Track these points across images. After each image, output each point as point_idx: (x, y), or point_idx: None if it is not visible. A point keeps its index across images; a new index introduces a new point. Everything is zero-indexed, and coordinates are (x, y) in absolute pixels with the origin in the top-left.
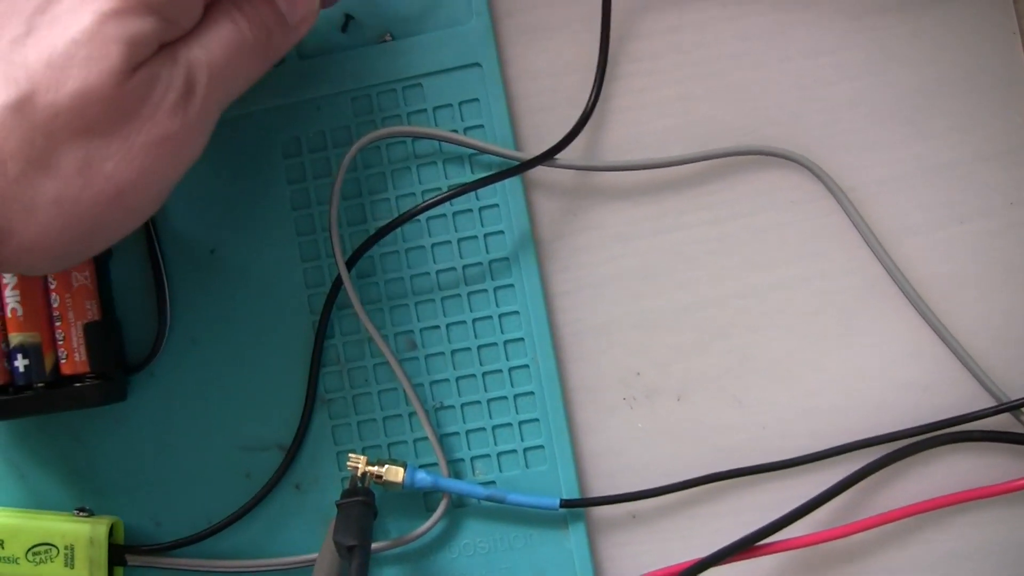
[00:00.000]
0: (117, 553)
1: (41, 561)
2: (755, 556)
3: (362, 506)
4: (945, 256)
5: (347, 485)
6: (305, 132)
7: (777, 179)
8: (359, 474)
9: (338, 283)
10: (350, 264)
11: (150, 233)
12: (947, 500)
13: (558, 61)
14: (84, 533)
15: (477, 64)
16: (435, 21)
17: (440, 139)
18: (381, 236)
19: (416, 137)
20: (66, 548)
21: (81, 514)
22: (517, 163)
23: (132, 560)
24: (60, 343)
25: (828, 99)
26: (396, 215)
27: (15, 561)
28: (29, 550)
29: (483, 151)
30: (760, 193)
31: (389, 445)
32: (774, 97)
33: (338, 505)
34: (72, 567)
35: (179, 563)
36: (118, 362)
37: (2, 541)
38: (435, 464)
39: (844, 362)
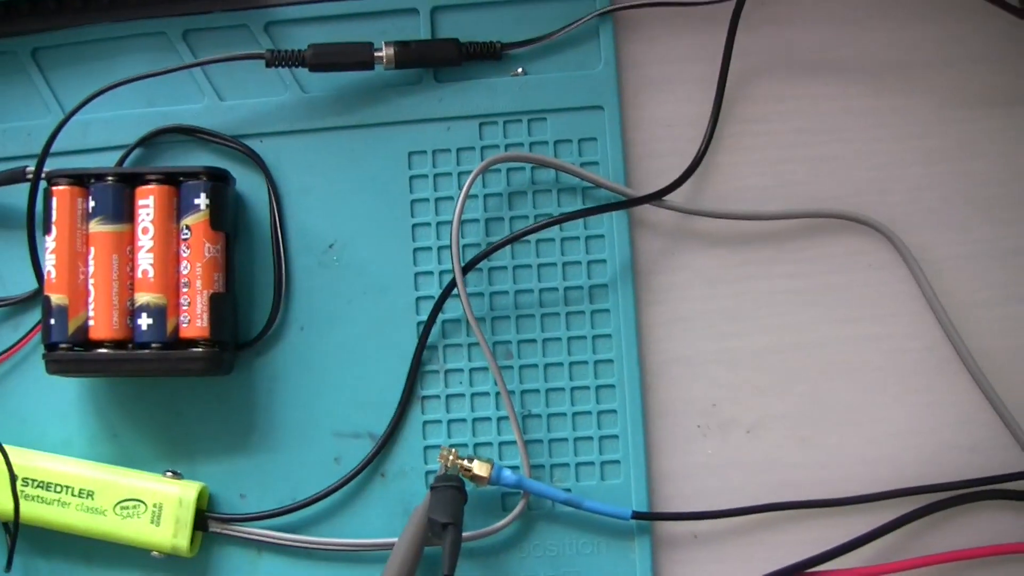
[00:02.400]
0: (200, 518)
1: (128, 516)
2: None
3: (456, 490)
4: (1004, 331)
5: (434, 478)
6: (433, 148)
7: (858, 244)
8: (448, 465)
9: (448, 289)
10: (464, 271)
11: (274, 219)
12: (985, 551)
13: (673, 113)
14: (174, 494)
15: (600, 107)
16: (566, 63)
17: (560, 169)
18: (495, 250)
19: (538, 165)
20: (154, 506)
21: (171, 476)
22: (627, 199)
23: (214, 527)
24: (184, 309)
25: (912, 178)
26: (509, 234)
27: (102, 513)
28: (118, 504)
29: (597, 184)
30: (841, 255)
31: (475, 445)
32: (864, 170)
33: (432, 488)
34: (158, 525)
35: (260, 534)
36: (232, 336)
37: (92, 492)
38: (518, 467)
39: (902, 416)
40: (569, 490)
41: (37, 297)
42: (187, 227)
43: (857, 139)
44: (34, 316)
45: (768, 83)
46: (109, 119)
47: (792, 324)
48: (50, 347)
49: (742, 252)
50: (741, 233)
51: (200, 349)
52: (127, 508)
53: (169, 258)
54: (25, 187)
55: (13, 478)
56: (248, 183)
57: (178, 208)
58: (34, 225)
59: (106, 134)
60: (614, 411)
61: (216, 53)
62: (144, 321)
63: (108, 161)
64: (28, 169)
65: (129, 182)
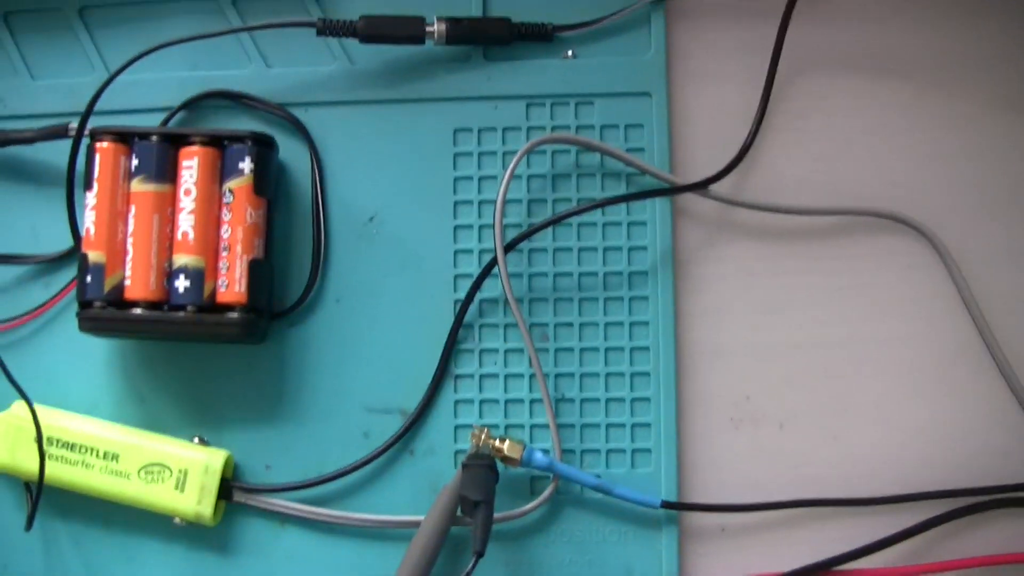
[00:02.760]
0: (225, 487)
1: (153, 480)
2: None
3: (488, 468)
4: None
5: (465, 456)
6: (479, 127)
7: (896, 242)
8: (480, 445)
9: (488, 268)
10: (506, 251)
11: (315, 189)
12: (1014, 558)
13: (720, 105)
14: (200, 460)
15: (648, 94)
16: (615, 48)
17: (605, 153)
18: (537, 231)
19: (584, 148)
20: (180, 472)
21: (198, 443)
22: (671, 186)
23: (238, 496)
24: (223, 273)
25: (952, 177)
26: (551, 216)
27: (127, 476)
28: (143, 468)
29: (642, 170)
30: (879, 253)
31: (507, 427)
32: (905, 169)
33: (464, 465)
34: (182, 491)
35: (284, 506)
36: (268, 304)
37: (117, 455)
38: (548, 450)
39: (934, 417)
40: (599, 476)
41: (71, 256)
42: (230, 191)
43: (900, 138)
44: (66, 275)
45: (814, 79)
46: (153, 80)
47: (828, 320)
48: (84, 304)
49: (782, 246)
50: (782, 227)
51: (236, 315)
52: (152, 473)
53: (210, 221)
54: (65, 144)
55: (40, 436)
56: (291, 152)
57: (222, 171)
58: (74, 182)
59: (150, 95)
60: (648, 399)
61: (266, 19)
62: (181, 283)
63: (151, 122)
64: (71, 125)
65: (173, 142)
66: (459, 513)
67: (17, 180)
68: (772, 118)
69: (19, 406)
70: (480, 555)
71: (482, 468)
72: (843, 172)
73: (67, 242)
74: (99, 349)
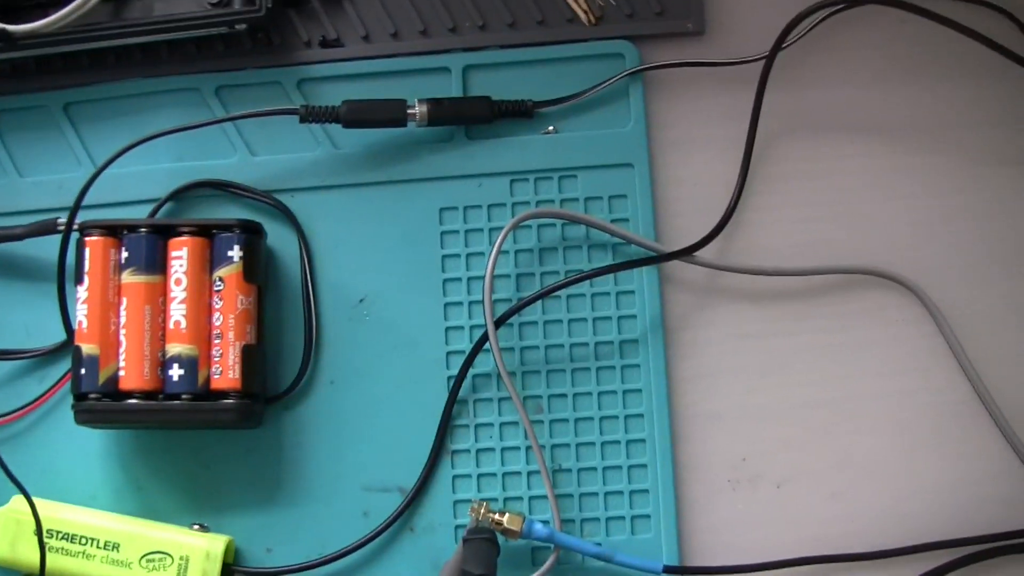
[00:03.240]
0: (227, 572)
1: (155, 568)
2: None
3: (489, 542)
4: None
5: (465, 530)
6: (464, 205)
7: (886, 299)
8: (479, 518)
9: (479, 343)
10: (496, 325)
11: (305, 273)
12: None
13: (701, 172)
14: (201, 547)
15: (630, 164)
16: (596, 122)
17: (591, 225)
18: (527, 304)
19: (569, 221)
20: (181, 559)
21: (198, 529)
22: (658, 254)
23: None
24: (216, 360)
25: (938, 235)
26: (539, 289)
27: (128, 565)
28: (144, 556)
29: (628, 240)
30: (869, 310)
31: (505, 499)
32: (890, 228)
33: (465, 540)
34: None
35: None
36: (262, 389)
37: (117, 544)
38: (548, 521)
39: (931, 470)
40: (600, 544)
41: (64, 349)
42: (220, 279)
43: (882, 197)
44: (60, 368)
45: (794, 143)
46: (140, 173)
47: (821, 379)
48: (80, 397)
49: (771, 308)
50: (769, 289)
51: (232, 400)
52: (153, 561)
53: (201, 309)
54: (54, 239)
55: (40, 529)
56: (279, 237)
57: (211, 260)
58: (64, 276)
59: (137, 187)
60: (644, 465)
61: (249, 108)
62: (175, 372)
63: (139, 214)
64: (60, 221)
65: (162, 233)
66: None
67: (8, 276)
68: (754, 182)
69: (18, 500)
70: None
71: (483, 542)
72: (827, 233)
73: (59, 336)
74: (95, 440)
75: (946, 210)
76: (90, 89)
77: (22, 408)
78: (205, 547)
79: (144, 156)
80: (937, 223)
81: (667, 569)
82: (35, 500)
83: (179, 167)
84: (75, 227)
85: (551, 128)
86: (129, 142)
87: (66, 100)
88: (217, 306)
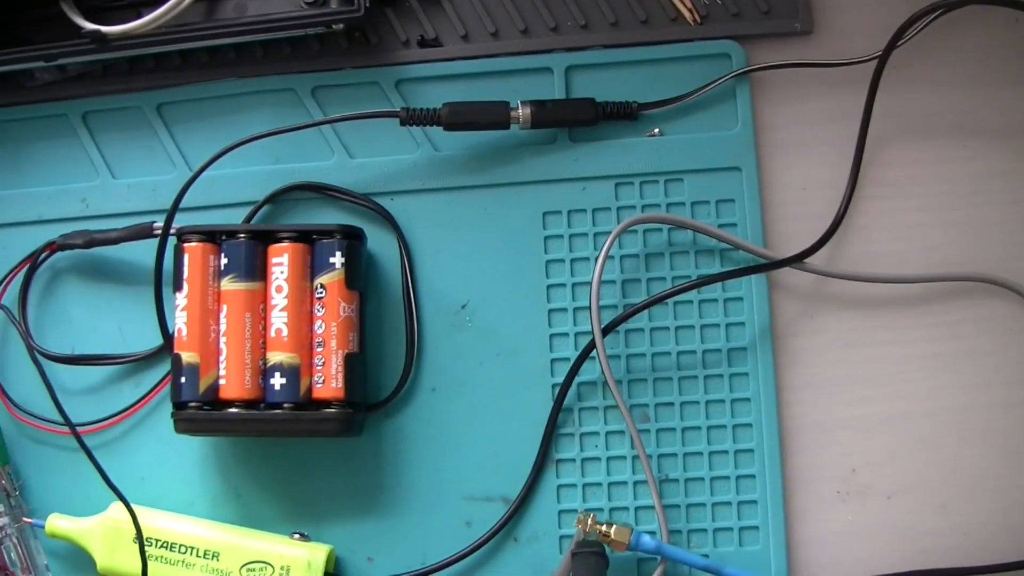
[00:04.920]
0: None
1: None
2: None
3: (598, 556)
4: None
5: (571, 542)
6: (568, 208)
7: (996, 307)
8: (586, 530)
9: (586, 351)
10: (604, 333)
11: (405, 279)
12: None
13: (809, 175)
14: (302, 556)
15: (737, 168)
16: (702, 124)
17: (699, 231)
18: (634, 313)
19: (677, 226)
20: (282, 568)
21: (298, 538)
22: (769, 262)
23: None
24: (318, 368)
25: None
26: (646, 297)
27: (228, 575)
28: (244, 566)
29: (737, 247)
30: (980, 319)
31: (611, 510)
32: (1003, 234)
33: (574, 554)
34: None
35: None
36: (364, 397)
37: (217, 554)
38: (655, 532)
39: None
40: (707, 556)
41: (160, 354)
42: (322, 286)
43: (995, 202)
44: (156, 373)
45: (904, 146)
46: (236, 175)
47: (930, 389)
48: (179, 406)
49: (879, 316)
50: (878, 297)
51: (334, 410)
52: (254, 571)
53: (303, 317)
54: (149, 243)
55: (141, 537)
56: (378, 241)
57: (312, 266)
58: (161, 281)
59: (233, 190)
60: (753, 476)
61: (345, 110)
62: (277, 381)
63: (234, 217)
64: (156, 225)
65: (261, 239)
66: None
67: (102, 280)
68: (863, 186)
69: (116, 508)
70: None
71: (592, 556)
72: (938, 239)
73: (154, 340)
74: (192, 447)
75: None
76: (183, 89)
77: (118, 414)
78: (306, 557)
79: (240, 158)
80: None
81: None
82: (133, 507)
83: (275, 169)
84: (172, 232)
85: (656, 130)
86: (224, 144)
87: (159, 101)
88: (319, 314)
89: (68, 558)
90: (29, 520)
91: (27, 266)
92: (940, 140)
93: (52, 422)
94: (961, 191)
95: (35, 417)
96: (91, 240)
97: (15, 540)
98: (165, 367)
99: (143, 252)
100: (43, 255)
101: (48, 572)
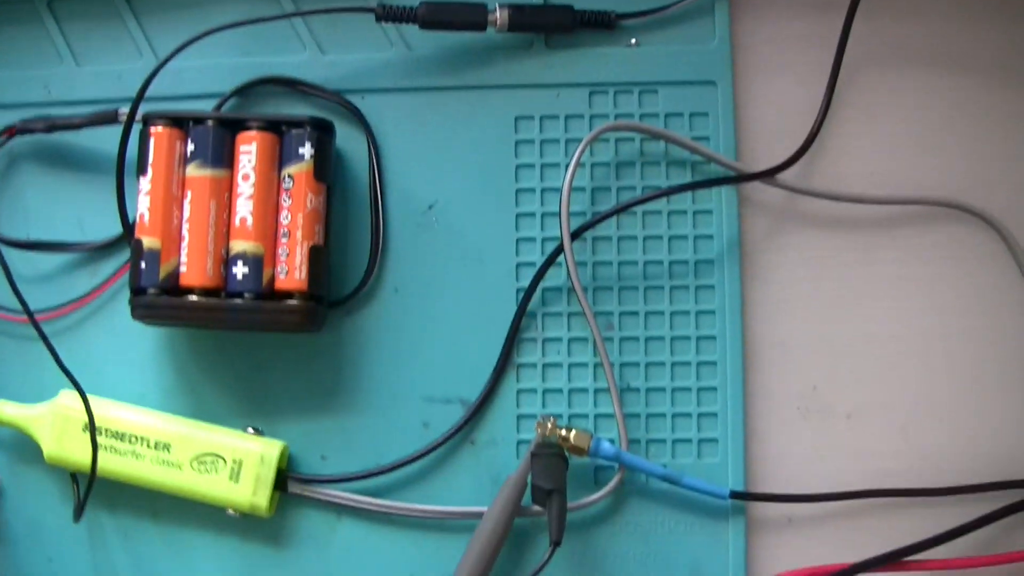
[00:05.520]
0: (280, 478)
1: (206, 471)
2: (902, 570)
3: (559, 457)
4: None
5: (532, 444)
6: (541, 114)
7: (964, 234)
8: (546, 434)
9: (553, 256)
10: (571, 239)
11: (373, 177)
12: None
13: (784, 95)
14: (255, 451)
15: (712, 82)
16: (679, 37)
17: (673, 141)
18: (604, 218)
19: (651, 136)
20: (234, 462)
21: (252, 433)
22: (740, 174)
23: (294, 487)
24: (282, 259)
25: (1021, 171)
26: (617, 204)
27: (178, 467)
28: (195, 458)
29: (709, 159)
30: (947, 244)
31: (570, 416)
32: (972, 162)
33: (533, 454)
34: (236, 482)
35: (341, 497)
36: (327, 292)
37: (168, 445)
38: (614, 440)
39: (1004, 410)
40: (665, 466)
41: (118, 244)
42: (289, 176)
43: (968, 132)
44: (113, 263)
45: (881, 72)
46: (203, 67)
47: (895, 312)
48: (138, 292)
49: (848, 236)
50: (848, 217)
51: (296, 302)
52: (205, 463)
53: (269, 207)
54: (112, 131)
55: (93, 425)
56: (347, 139)
57: (280, 157)
58: (123, 169)
59: (200, 82)
60: (714, 388)
61: (321, 4)
62: (239, 270)
63: (201, 109)
64: (121, 111)
65: (230, 128)
66: (524, 504)
67: (62, 168)
68: (837, 109)
69: (66, 395)
70: (557, 544)
71: (553, 457)
72: (909, 162)
73: (113, 230)
74: (147, 338)
75: None
76: None
77: (73, 302)
78: (259, 451)
79: (208, 50)
80: (1021, 159)
81: (734, 494)
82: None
83: (244, 62)
84: (138, 118)
85: (633, 41)
86: (192, 34)
87: None
88: (286, 204)
89: (12, 448)
90: None
91: None
92: (916, 68)
93: (3, 309)
94: (934, 118)
95: None
96: (52, 125)
97: None
98: (123, 257)
99: (106, 140)
100: (1, 139)
101: None
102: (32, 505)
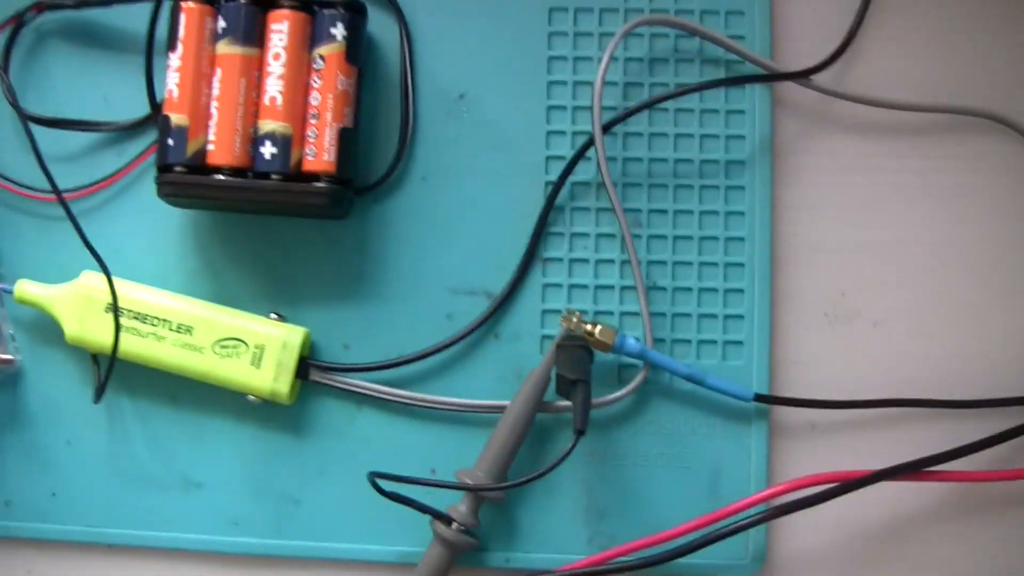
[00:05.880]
0: (302, 365)
1: (227, 355)
2: (923, 480)
3: (584, 349)
4: None
5: (558, 336)
6: (575, 7)
7: (996, 144)
8: (571, 328)
9: (583, 149)
10: (603, 132)
11: (404, 63)
12: None
13: None
14: (278, 336)
15: None
16: None
17: (707, 38)
18: (633, 113)
19: (686, 31)
20: (256, 347)
21: (275, 318)
22: (773, 73)
23: (315, 375)
24: (311, 141)
25: None
26: (648, 98)
27: (200, 350)
28: (217, 342)
29: (744, 57)
30: (979, 154)
31: (596, 313)
32: (1009, 72)
33: (559, 346)
34: (258, 367)
35: (362, 386)
36: (355, 177)
37: (191, 328)
38: (639, 339)
39: None
40: (690, 366)
41: (145, 124)
42: (321, 57)
43: (1008, 41)
44: (140, 144)
45: None
46: None
47: (923, 218)
48: (164, 169)
49: (880, 142)
50: (881, 123)
51: (324, 184)
52: (227, 347)
53: (299, 87)
54: (141, 9)
55: (116, 304)
56: (378, 25)
57: (312, 37)
58: (152, 46)
59: None
60: (741, 291)
61: None
62: (268, 150)
63: None
64: None
65: (261, 6)
66: (546, 399)
67: (89, 46)
68: (874, 13)
69: (88, 275)
70: (581, 433)
71: (578, 348)
72: (943, 70)
73: (140, 110)
74: (172, 220)
75: None
76: None
77: (99, 182)
78: (282, 337)
79: None
80: None
81: (758, 397)
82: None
83: None
84: None
85: None
86: None
87: None
88: (316, 85)
89: (33, 328)
90: None
91: (12, 26)
92: None
93: (28, 188)
94: (973, 27)
95: (9, 181)
96: (82, 1)
97: None
98: (149, 138)
99: (134, 17)
100: (29, 14)
101: (14, 342)
102: (52, 387)
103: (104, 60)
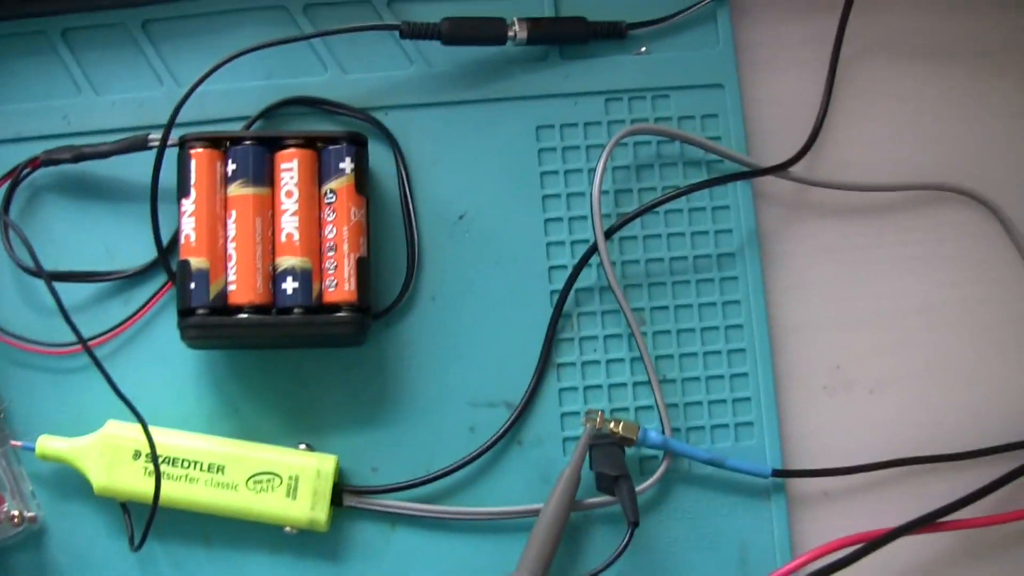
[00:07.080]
0: (335, 491)
1: (262, 489)
2: (939, 531)
3: (615, 445)
4: None
5: (583, 437)
6: (560, 123)
7: (961, 214)
8: (597, 427)
9: (585, 257)
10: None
11: (403, 190)
12: None
13: (788, 93)
14: (311, 465)
15: (720, 85)
16: (686, 42)
17: (691, 141)
18: (633, 218)
19: (672, 138)
20: (290, 478)
21: (305, 448)
22: (754, 169)
23: (348, 500)
24: (330, 272)
25: (1011, 154)
26: (638, 206)
27: (234, 488)
28: (251, 478)
29: (724, 156)
30: (947, 224)
31: (612, 411)
32: (966, 147)
33: (593, 445)
34: (294, 498)
35: (396, 506)
36: (373, 303)
37: (222, 467)
38: (657, 430)
39: (1016, 374)
40: (708, 451)
41: (150, 270)
42: (332, 191)
43: (961, 118)
44: (146, 291)
45: (876, 65)
46: (227, 91)
47: (904, 289)
48: (187, 312)
49: (855, 222)
50: (854, 204)
51: (346, 314)
52: (260, 482)
53: (313, 221)
54: (137, 158)
55: (154, 448)
56: (375, 155)
57: (320, 172)
58: (157, 194)
59: (224, 106)
60: (745, 374)
61: (335, 25)
62: (289, 285)
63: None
64: (151, 137)
65: (268, 146)
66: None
67: (87, 198)
68: (839, 102)
69: (113, 425)
70: (635, 524)
71: (611, 445)
72: (909, 151)
73: (142, 257)
74: (187, 362)
75: (1021, 130)
76: (169, 6)
77: (112, 329)
78: (315, 465)
79: (231, 74)
80: (1014, 143)
81: (775, 473)
82: (127, 424)
83: (268, 85)
84: (174, 142)
85: (643, 49)
86: (212, 60)
87: (144, 17)
88: (330, 219)
89: (54, 484)
90: (17, 443)
91: (8, 182)
92: (911, 59)
93: (35, 343)
94: (930, 108)
95: (17, 337)
96: (80, 154)
97: (2, 464)
98: (155, 284)
99: (131, 167)
100: (25, 171)
101: (35, 499)
102: (78, 541)
103: (102, 211)
